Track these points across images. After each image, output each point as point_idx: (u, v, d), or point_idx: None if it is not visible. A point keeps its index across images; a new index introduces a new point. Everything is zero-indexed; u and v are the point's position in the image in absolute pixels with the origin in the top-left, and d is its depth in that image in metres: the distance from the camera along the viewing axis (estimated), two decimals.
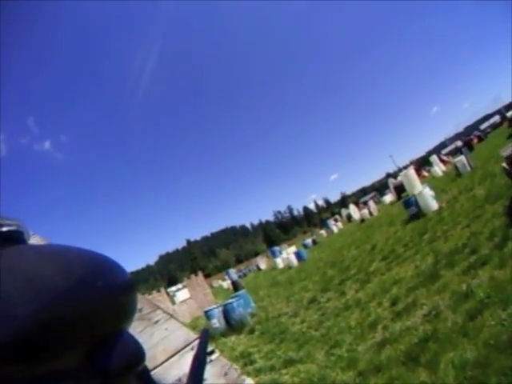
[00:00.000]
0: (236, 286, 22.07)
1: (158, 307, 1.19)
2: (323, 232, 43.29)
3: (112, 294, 0.47)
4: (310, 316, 8.14)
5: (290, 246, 50.67)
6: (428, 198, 12.87)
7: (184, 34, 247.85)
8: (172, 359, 1.02)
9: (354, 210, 43.58)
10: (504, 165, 6.78)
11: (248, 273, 53.09)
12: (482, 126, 63.17)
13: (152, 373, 0.94)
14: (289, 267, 23.71)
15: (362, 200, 70.62)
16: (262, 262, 49.02)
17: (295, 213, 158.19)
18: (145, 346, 0.97)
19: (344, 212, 51.67)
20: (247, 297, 12.55)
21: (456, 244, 6.89)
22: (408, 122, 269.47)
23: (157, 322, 1.09)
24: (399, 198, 29.03)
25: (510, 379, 2.68)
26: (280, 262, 29.48)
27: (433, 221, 10.66)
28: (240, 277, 44.01)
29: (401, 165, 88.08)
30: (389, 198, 39.33)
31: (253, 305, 12.60)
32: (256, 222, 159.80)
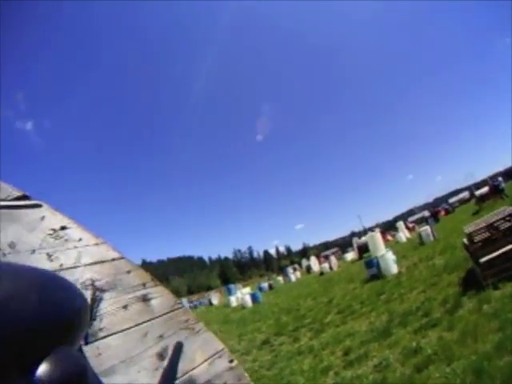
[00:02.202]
0: None
1: (199, 320, 1.50)
2: (280, 278, 43.19)
3: (49, 310, 0.48)
4: (263, 356, 8.23)
5: (244, 286, 50.05)
6: (389, 262, 13.27)
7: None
8: (205, 363, 1.30)
9: (314, 263, 44.03)
10: (464, 240, 7.41)
11: (198, 305, 51.82)
12: (451, 200, 65.69)
13: (190, 373, 1.21)
14: (242, 307, 23.53)
15: (324, 254, 71.36)
16: (215, 298, 48.11)
17: (255, 254, 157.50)
18: (188, 350, 1.27)
19: (304, 262, 52.06)
20: None
21: (410, 306, 7.30)
22: (382, 185, 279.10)
23: (198, 331, 1.37)
24: (361, 257, 29.59)
25: None
26: (234, 301, 29.20)
27: (391, 283, 11.03)
28: (190, 308, 42.94)
29: (367, 225, 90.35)
30: (351, 255, 39.88)
31: None
32: (214, 257, 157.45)
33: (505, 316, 4.62)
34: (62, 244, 1.15)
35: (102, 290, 1.17)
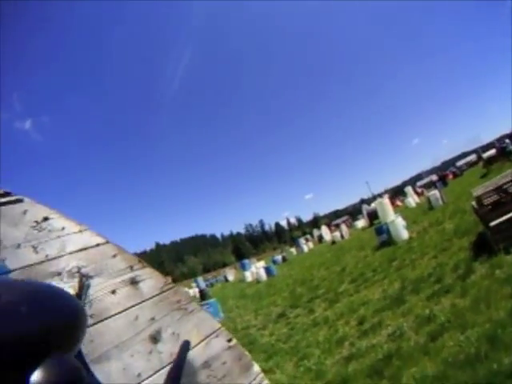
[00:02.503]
0: (203, 295, 22.07)
1: (193, 300, 1.47)
2: (293, 250, 43.47)
3: (42, 318, 0.49)
4: (279, 329, 8.32)
5: (258, 260, 50.81)
6: (399, 227, 13.25)
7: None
8: (201, 343, 1.30)
9: (325, 232, 44.31)
10: (473, 203, 7.26)
11: (215, 283, 52.74)
12: (459, 163, 65.18)
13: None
14: (257, 281, 23.84)
15: (335, 222, 71.71)
16: (231, 274, 48.92)
17: (267, 228, 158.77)
18: (182, 331, 1.24)
19: (316, 232, 52.38)
20: (217, 306, 12.59)
21: (422, 272, 7.25)
22: (388, 150, 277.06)
23: (192, 311, 1.36)
24: (371, 224, 29.64)
25: None
26: (249, 276, 29.63)
27: (402, 249, 11.01)
28: (207, 286, 43.73)
29: (376, 192, 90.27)
30: (361, 223, 39.97)
31: (221, 315, 12.64)
32: (227, 233, 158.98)
33: None
34: (46, 235, 1.15)
35: (89, 277, 1.15)
